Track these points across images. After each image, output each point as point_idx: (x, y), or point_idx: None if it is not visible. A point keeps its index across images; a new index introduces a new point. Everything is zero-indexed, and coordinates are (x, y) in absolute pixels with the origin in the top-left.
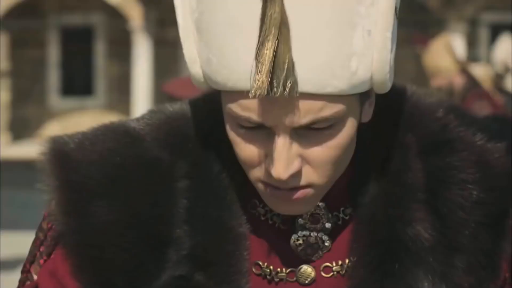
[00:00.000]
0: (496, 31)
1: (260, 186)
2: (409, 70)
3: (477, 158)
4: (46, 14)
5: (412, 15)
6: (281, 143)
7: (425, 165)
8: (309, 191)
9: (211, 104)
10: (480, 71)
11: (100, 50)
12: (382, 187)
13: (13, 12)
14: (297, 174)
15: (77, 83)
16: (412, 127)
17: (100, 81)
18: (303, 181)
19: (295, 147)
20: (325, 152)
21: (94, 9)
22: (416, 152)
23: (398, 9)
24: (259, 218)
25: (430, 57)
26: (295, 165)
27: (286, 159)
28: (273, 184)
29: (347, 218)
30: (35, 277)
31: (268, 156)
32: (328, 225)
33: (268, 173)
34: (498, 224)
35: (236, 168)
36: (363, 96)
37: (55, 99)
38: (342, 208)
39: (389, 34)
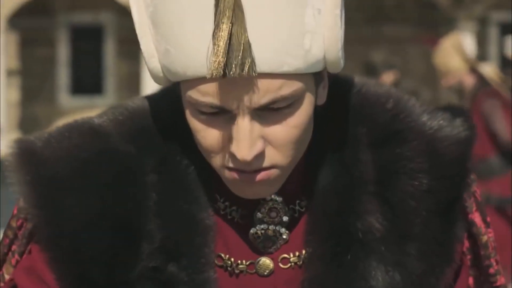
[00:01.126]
0: (505, 30)
1: (224, 172)
2: (418, 69)
3: (427, 148)
4: (56, 13)
5: (421, 13)
6: (243, 125)
7: (375, 157)
8: (273, 171)
9: (170, 97)
10: (489, 70)
11: (110, 49)
12: (334, 180)
13: (23, 11)
14: (261, 155)
15: (87, 82)
16: (363, 118)
17: (110, 80)
18: (266, 162)
19: (257, 128)
20: (286, 131)
21: (104, 7)
22: (366, 144)
23: None
24: (219, 212)
25: (440, 56)
26: (258, 146)
27: (249, 140)
28: (237, 168)
29: (302, 210)
30: (7, 277)
31: (230, 140)
32: (285, 218)
33: (232, 156)
34: (449, 212)
35: (201, 161)
36: (317, 77)
37: (65, 97)
38: (297, 201)
39: (338, 12)
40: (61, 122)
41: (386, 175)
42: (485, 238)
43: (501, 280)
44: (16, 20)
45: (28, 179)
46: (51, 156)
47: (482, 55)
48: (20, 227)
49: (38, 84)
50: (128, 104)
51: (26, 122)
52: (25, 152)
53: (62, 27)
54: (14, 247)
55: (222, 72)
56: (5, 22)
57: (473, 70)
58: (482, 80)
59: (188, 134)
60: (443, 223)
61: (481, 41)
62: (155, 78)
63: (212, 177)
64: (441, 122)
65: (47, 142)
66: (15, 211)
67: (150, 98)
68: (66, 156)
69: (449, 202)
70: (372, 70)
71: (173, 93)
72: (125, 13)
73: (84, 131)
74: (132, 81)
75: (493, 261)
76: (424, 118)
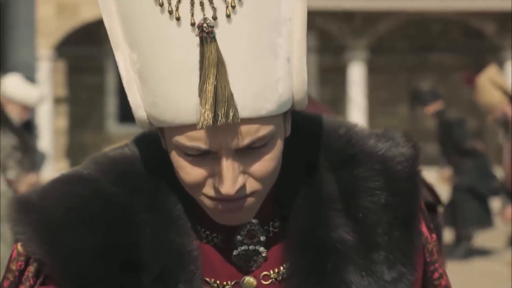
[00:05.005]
0: None
1: (207, 202)
2: (464, 97)
3: (381, 167)
4: (104, 41)
5: (467, 41)
6: (226, 164)
7: (337, 178)
8: (251, 199)
9: (147, 140)
10: None
11: None
12: (302, 200)
13: (71, 39)
14: (242, 187)
15: None
16: (320, 145)
17: None
18: (246, 191)
19: (238, 165)
20: (263, 165)
21: None
22: (327, 168)
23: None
24: (202, 241)
25: (480, 95)
26: (239, 181)
27: (231, 177)
28: (220, 198)
29: (276, 230)
30: None
31: (213, 176)
32: (262, 238)
33: (215, 189)
34: (408, 224)
35: (186, 195)
36: (285, 115)
37: (112, 125)
38: (271, 223)
39: (304, 59)
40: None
41: (348, 194)
42: (430, 246)
43: (443, 282)
44: (64, 48)
45: (31, 228)
46: (48, 204)
47: None
48: (21, 270)
49: (86, 112)
50: (107, 154)
51: (74, 150)
52: (24, 205)
53: (110, 56)
54: None
55: (211, 122)
56: (53, 50)
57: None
58: None
59: (170, 171)
60: (403, 234)
61: None
62: (141, 125)
63: (195, 210)
64: (387, 143)
65: (41, 193)
66: (14, 255)
67: (128, 145)
68: (62, 202)
69: (405, 215)
70: (418, 99)
71: (148, 137)
72: None
73: (74, 180)
74: None
75: (437, 266)
76: (372, 141)
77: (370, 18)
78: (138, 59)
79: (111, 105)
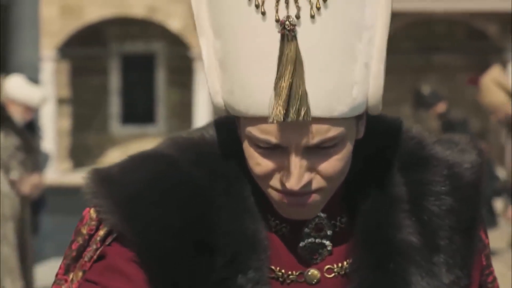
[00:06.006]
0: None
1: (273, 194)
2: (468, 98)
3: (448, 172)
4: (108, 42)
5: (471, 42)
6: (294, 160)
7: (406, 180)
8: (316, 196)
9: (226, 128)
10: None
11: (161, 78)
12: (372, 198)
13: (74, 40)
14: (308, 183)
15: (138, 111)
16: (393, 145)
17: (161, 109)
18: (312, 187)
19: (306, 163)
20: (330, 164)
21: (155, 37)
22: (397, 168)
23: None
24: (271, 230)
25: (483, 96)
26: (305, 178)
27: (298, 174)
28: (285, 191)
29: (343, 226)
30: (75, 281)
31: (281, 169)
32: (329, 232)
33: (282, 183)
34: (469, 229)
35: (258, 185)
36: (358, 117)
37: (116, 126)
38: (339, 218)
39: (382, 66)
40: (112, 150)
41: (416, 196)
42: (487, 250)
43: (496, 285)
44: (68, 49)
45: (114, 197)
46: (129, 179)
47: None
48: (91, 234)
49: (90, 113)
50: (186, 135)
51: (78, 151)
52: (106, 177)
53: (114, 56)
54: (84, 254)
55: (282, 119)
56: (57, 51)
57: None
58: None
59: (246, 161)
60: (464, 239)
61: None
62: (217, 111)
63: (267, 199)
64: (455, 148)
65: (122, 169)
66: (86, 219)
67: (205, 128)
68: (142, 178)
69: (468, 220)
70: (420, 102)
71: (227, 125)
72: (176, 43)
73: (154, 158)
74: (183, 109)
75: (492, 269)
76: (441, 146)
77: None
78: (221, 48)
79: (114, 106)
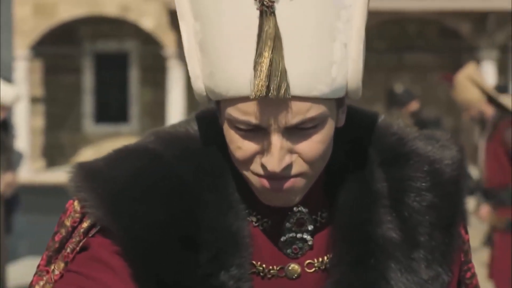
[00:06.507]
0: None
1: (255, 180)
2: (441, 96)
3: (429, 168)
4: (81, 41)
5: (443, 41)
6: (275, 141)
7: (387, 175)
8: (298, 180)
9: (212, 121)
10: (508, 99)
11: (134, 77)
12: (352, 194)
13: (47, 39)
14: (288, 166)
15: (112, 109)
16: (373, 140)
17: (134, 108)
18: (293, 171)
19: (287, 144)
20: (312, 146)
21: (128, 36)
22: (378, 163)
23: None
24: (252, 225)
25: (458, 92)
26: (286, 159)
27: (279, 154)
28: (267, 175)
29: (323, 221)
30: (57, 272)
31: (262, 152)
32: (310, 227)
33: (263, 166)
34: (449, 225)
35: (242, 182)
36: (339, 102)
37: (89, 125)
38: (319, 212)
39: (361, 47)
40: (85, 149)
41: (396, 192)
42: (465, 247)
43: (474, 281)
44: (41, 48)
45: (99, 192)
46: (114, 173)
47: (504, 83)
48: (74, 226)
49: (63, 112)
50: (169, 129)
51: (51, 150)
52: (90, 171)
53: (87, 55)
54: (67, 245)
55: (264, 93)
56: (30, 50)
57: (490, 101)
58: (501, 109)
59: (230, 156)
60: (444, 235)
61: (503, 69)
62: (198, 97)
63: (251, 194)
64: (436, 144)
65: (107, 163)
66: (70, 211)
67: (188, 123)
68: (128, 172)
69: (448, 217)
70: (393, 101)
71: (208, 119)
72: (149, 42)
73: (140, 152)
74: (156, 108)
75: (471, 266)
76: (422, 141)
77: None
78: (201, 29)
79: (87, 105)
